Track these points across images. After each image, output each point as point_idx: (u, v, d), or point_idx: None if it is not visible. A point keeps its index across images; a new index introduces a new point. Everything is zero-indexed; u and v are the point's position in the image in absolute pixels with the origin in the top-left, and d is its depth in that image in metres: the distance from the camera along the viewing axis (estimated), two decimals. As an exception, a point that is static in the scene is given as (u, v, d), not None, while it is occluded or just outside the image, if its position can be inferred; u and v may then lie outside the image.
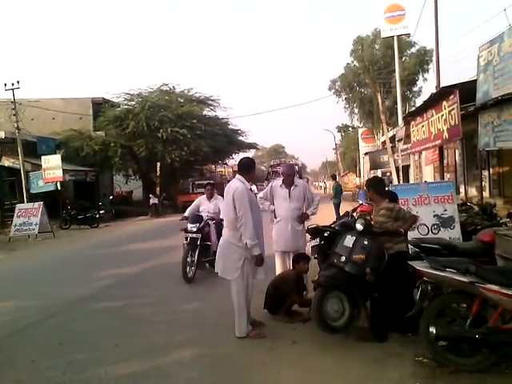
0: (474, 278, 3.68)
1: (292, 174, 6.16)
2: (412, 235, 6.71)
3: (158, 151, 26.24)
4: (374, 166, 27.25)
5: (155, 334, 5.09)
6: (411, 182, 20.02)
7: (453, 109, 9.59)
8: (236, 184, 4.77)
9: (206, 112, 30.81)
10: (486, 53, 8.69)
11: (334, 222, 8.15)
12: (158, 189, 27.74)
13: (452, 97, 9.58)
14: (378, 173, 29.60)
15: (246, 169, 4.95)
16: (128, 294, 7.05)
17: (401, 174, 21.49)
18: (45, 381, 4.01)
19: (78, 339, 5.08)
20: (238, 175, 4.95)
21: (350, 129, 47.95)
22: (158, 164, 27.57)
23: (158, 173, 27.97)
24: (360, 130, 38.86)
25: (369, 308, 4.65)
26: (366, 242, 4.53)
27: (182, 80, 45.50)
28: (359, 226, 4.67)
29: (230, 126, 33.11)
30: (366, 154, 32.40)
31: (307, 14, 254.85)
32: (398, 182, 20.74)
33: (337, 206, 15.63)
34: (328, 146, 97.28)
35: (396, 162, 22.53)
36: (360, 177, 37.81)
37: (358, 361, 4.10)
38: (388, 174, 25.37)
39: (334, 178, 18.53)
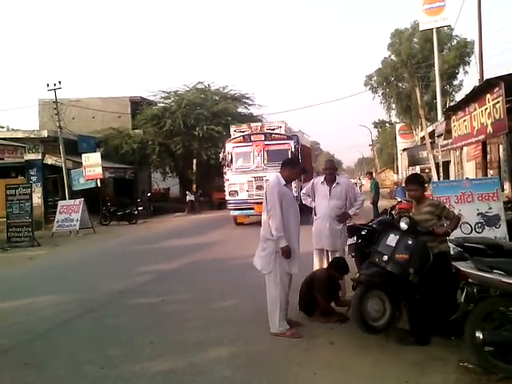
0: (524, 280, 3.47)
1: (331, 168, 6.01)
2: (454, 234, 6.45)
3: (194, 149, 26.54)
4: (413, 162, 26.54)
5: (191, 330, 5.11)
6: (451, 178, 19.38)
7: (498, 102, 9.11)
8: (271, 179, 5.09)
9: (241, 109, 30.89)
10: (535, 42, 8.21)
11: (372, 220, 7.95)
12: (194, 186, 28.04)
13: (497, 89, 9.10)
14: (417, 169, 28.80)
15: (283, 166, 5.14)
16: (165, 290, 7.13)
17: (441, 170, 20.83)
18: (83, 375, 4.07)
19: (116, 334, 5.17)
20: (278, 172, 5.16)
21: (387, 124, 47.03)
22: (194, 161, 27.87)
23: (194, 170, 28.25)
24: (397, 126, 38.03)
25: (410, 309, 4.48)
26: (410, 242, 4.36)
27: (217, 77, 45.78)
28: (403, 225, 4.50)
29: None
30: (404, 150, 31.64)
31: (343, 7, 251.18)
32: (438, 178, 20.10)
33: (375, 204, 15.32)
34: (364, 142, 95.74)
35: (436, 157, 21.85)
36: (398, 173, 36.99)
37: (398, 364, 3.96)
38: (427, 170, 24.64)
39: (370, 175, 18.12)
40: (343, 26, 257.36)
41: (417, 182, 4.82)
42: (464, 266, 3.81)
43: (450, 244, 5.11)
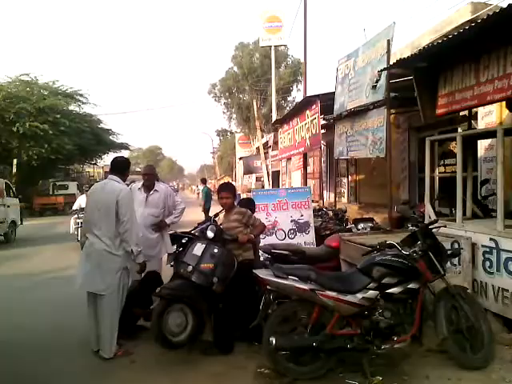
0: (314, 285, 3.63)
1: (149, 173, 5.64)
2: (270, 240, 6.73)
3: (13, 147, 23.54)
4: (248, 170, 27.90)
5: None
6: (281, 187, 20.80)
7: (314, 118, 10.00)
8: (116, 186, 4.32)
9: (74, 107, 28.60)
10: (344, 66, 9.19)
11: (195, 228, 7.86)
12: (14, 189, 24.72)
13: (314, 106, 9.99)
14: (253, 177, 30.35)
15: (121, 168, 4.55)
16: None
17: (270, 179, 22.26)
18: None
19: None
20: (110, 175, 4.49)
21: (229, 133, 48.56)
22: (15, 162, 24.69)
23: (14, 172, 24.98)
24: (237, 135, 39.54)
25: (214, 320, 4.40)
26: (215, 250, 4.27)
27: (47, 71, 41.37)
28: (210, 233, 4.43)
29: (101, 125, 31.27)
30: (240, 158, 33.04)
31: (190, 13, 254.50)
32: (269, 186, 21.45)
33: (207, 211, 15.41)
34: (207, 149, 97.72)
35: (268, 167, 23.29)
36: (236, 181, 38.43)
37: (200, 377, 3.83)
38: (262, 179, 26.15)
39: (204, 182, 18.27)
40: (192, 30, 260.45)
41: (229, 190, 4.82)
42: (263, 273, 3.84)
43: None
